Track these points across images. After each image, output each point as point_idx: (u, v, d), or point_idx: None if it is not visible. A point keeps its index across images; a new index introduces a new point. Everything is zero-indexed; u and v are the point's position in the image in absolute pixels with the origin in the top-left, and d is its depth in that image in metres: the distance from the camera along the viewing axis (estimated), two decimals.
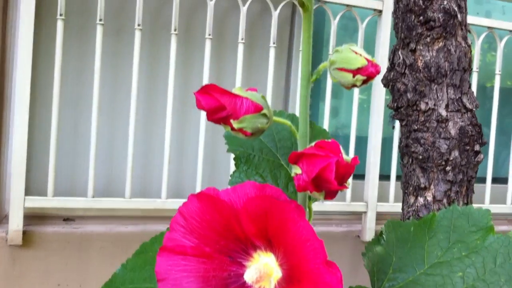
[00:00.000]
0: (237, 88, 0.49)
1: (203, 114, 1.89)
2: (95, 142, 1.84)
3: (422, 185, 0.76)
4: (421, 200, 0.75)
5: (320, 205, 2.02)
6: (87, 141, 1.90)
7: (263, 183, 0.51)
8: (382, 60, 2.07)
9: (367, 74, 0.48)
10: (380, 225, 2.16)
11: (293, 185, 0.54)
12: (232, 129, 0.48)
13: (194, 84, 2.13)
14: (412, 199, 0.78)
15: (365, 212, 2.10)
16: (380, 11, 2.09)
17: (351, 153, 2.11)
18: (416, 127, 0.76)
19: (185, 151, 2.15)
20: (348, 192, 2.09)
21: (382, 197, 2.18)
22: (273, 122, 0.50)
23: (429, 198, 0.74)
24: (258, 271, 0.47)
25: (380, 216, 2.16)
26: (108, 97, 2.04)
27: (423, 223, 0.53)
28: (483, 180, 2.37)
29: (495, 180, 2.41)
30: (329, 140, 0.46)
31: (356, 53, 0.48)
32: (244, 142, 0.59)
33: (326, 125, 2.06)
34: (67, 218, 1.98)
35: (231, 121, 0.48)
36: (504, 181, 2.34)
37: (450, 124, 0.75)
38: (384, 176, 2.16)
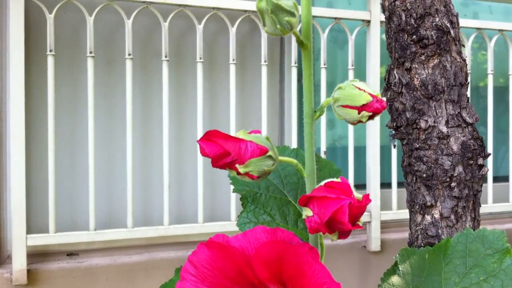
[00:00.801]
0: (241, 131, 0.49)
1: (200, 136, 1.89)
2: (93, 175, 1.83)
3: (428, 203, 0.75)
4: (428, 218, 0.74)
5: None
6: (85, 174, 1.89)
7: (272, 221, 0.51)
8: (374, 69, 2.07)
9: (373, 110, 0.47)
10: (385, 233, 2.15)
11: (302, 221, 0.53)
12: (238, 173, 0.48)
13: (188, 108, 2.13)
14: (419, 218, 0.77)
15: (369, 222, 2.09)
16: (369, 21, 2.10)
17: (351, 164, 2.10)
18: (417, 145, 0.75)
19: (185, 175, 2.14)
20: None
21: (385, 205, 2.17)
22: (279, 162, 0.50)
23: (436, 216, 0.73)
24: None
25: (384, 225, 2.16)
26: (103, 128, 2.03)
27: (438, 249, 0.53)
28: (484, 180, 2.36)
29: (496, 179, 2.41)
30: (339, 180, 0.45)
31: (359, 89, 0.48)
32: (250, 182, 0.58)
33: (323, 138, 2.06)
34: (71, 253, 1.96)
35: (237, 165, 0.47)
36: (505, 179, 2.34)
37: (452, 140, 0.74)
38: (385, 184, 2.16)
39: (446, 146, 0.74)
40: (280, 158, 0.49)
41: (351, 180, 2.10)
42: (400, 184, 2.14)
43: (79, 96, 1.99)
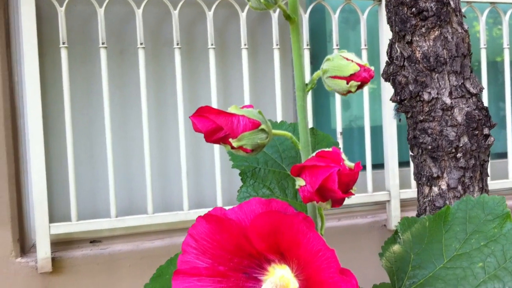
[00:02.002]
0: (233, 106, 0.49)
1: None
2: (112, 163, 1.86)
3: (435, 175, 0.75)
4: (435, 189, 0.73)
5: None
6: (104, 163, 1.92)
7: (271, 195, 0.51)
8: None
9: (361, 79, 0.47)
10: (405, 212, 2.14)
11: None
12: (232, 147, 0.48)
13: (202, 94, 2.14)
14: (426, 190, 0.77)
15: (389, 201, 2.09)
16: (380, 0, 2.08)
17: (367, 144, 2.09)
18: (421, 118, 0.75)
19: (202, 160, 2.16)
20: (369, 182, 2.07)
21: (404, 184, 2.16)
22: (274, 135, 0.50)
23: (444, 187, 0.73)
24: (275, 285, 0.47)
25: (404, 203, 2.15)
26: (119, 118, 2.06)
27: (438, 217, 0.53)
28: (504, 155, 2.33)
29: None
30: (330, 149, 0.46)
31: (347, 59, 0.48)
32: (248, 157, 0.59)
33: (339, 119, 2.05)
34: (94, 240, 2.00)
35: (230, 140, 0.48)
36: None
37: (456, 111, 0.74)
38: (403, 163, 2.15)
39: (450, 117, 0.73)
40: (274, 131, 0.50)
41: (368, 160, 2.10)
42: None
43: (93, 87, 2.02)
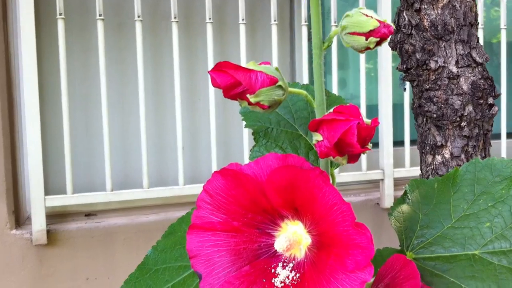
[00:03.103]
0: (251, 62, 0.49)
1: (212, 97, 1.90)
2: (108, 136, 1.86)
3: (439, 143, 0.76)
4: (438, 158, 0.74)
5: (336, 176, 2.02)
6: (100, 136, 1.92)
7: None
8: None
9: (380, 35, 0.47)
10: (398, 191, 2.16)
11: (314, 153, 0.54)
12: (249, 103, 0.49)
13: (199, 69, 2.13)
14: (429, 158, 0.78)
15: (382, 180, 2.10)
16: None
17: None
18: (427, 86, 0.76)
19: (198, 136, 2.16)
20: (364, 161, 2.09)
21: (398, 163, 2.18)
22: (289, 93, 0.50)
23: (447, 156, 0.74)
24: (288, 240, 0.48)
25: (397, 182, 2.17)
26: (116, 91, 2.05)
27: (447, 179, 0.54)
28: (497, 136, 2.35)
29: (510, 135, 2.39)
30: (348, 105, 0.46)
31: (366, 15, 0.48)
32: (261, 117, 0.59)
33: None
34: (89, 213, 2.00)
35: (248, 96, 0.48)
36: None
37: (462, 79, 0.74)
38: (398, 142, 2.16)
39: (456, 86, 0.74)
40: (290, 89, 0.50)
41: None
42: (413, 142, 2.15)
43: (90, 60, 2.00)
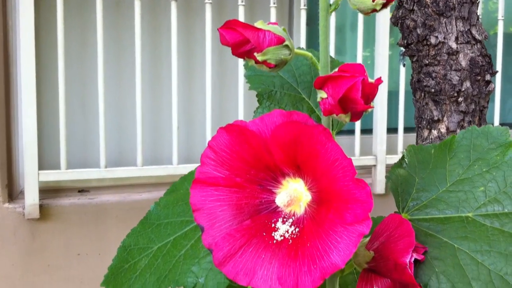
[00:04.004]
0: (259, 22, 0.51)
1: (209, 78, 1.91)
2: (103, 113, 1.86)
3: (435, 118, 0.78)
4: (435, 132, 0.76)
5: None
6: (95, 113, 1.92)
7: None
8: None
9: None
10: None
11: (315, 116, 0.55)
12: (256, 62, 0.50)
13: (197, 50, 2.13)
14: (426, 133, 0.80)
15: (375, 166, 2.13)
16: None
17: None
18: (427, 62, 0.77)
19: (193, 116, 2.17)
20: (357, 146, 2.11)
21: (391, 150, 2.20)
22: (294, 56, 0.52)
23: (443, 130, 0.76)
24: (288, 195, 0.49)
25: (389, 169, 2.19)
26: (112, 69, 2.05)
27: (444, 145, 0.55)
28: None
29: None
30: (353, 63, 0.47)
31: None
32: (265, 80, 0.61)
33: None
34: (82, 189, 2.01)
35: (255, 54, 0.49)
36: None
37: (461, 56, 0.76)
38: (391, 129, 2.18)
39: (455, 61, 0.76)
40: (296, 50, 0.52)
41: (357, 125, 2.13)
42: (406, 130, 2.17)
43: (88, 37, 2.00)
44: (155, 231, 0.59)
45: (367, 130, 2.20)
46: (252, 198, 0.51)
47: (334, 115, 0.48)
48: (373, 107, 0.48)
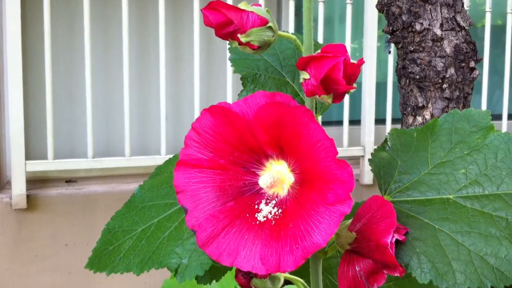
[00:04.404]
0: (243, 3, 0.51)
1: (197, 68, 1.90)
2: (91, 103, 1.85)
3: (420, 104, 0.78)
4: (419, 119, 0.77)
5: None
6: (83, 103, 1.91)
7: None
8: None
9: None
10: None
11: (299, 99, 0.56)
12: (240, 43, 0.50)
13: (184, 39, 2.13)
14: (410, 119, 0.80)
15: (363, 156, 2.14)
16: None
17: (346, 99, 2.13)
18: (412, 48, 0.78)
19: (181, 106, 2.16)
20: (345, 137, 2.12)
21: (379, 140, 2.21)
22: (278, 39, 0.52)
23: (427, 117, 0.77)
24: (271, 177, 0.50)
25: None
26: (100, 59, 2.04)
27: (426, 128, 0.56)
28: None
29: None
30: (335, 44, 0.48)
31: None
32: (250, 63, 0.61)
33: None
34: (69, 179, 2.00)
35: (238, 35, 0.50)
36: (499, 118, 2.36)
37: (445, 42, 0.77)
38: (379, 120, 2.19)
39: (440, 48, 0.76)
40: (280, 33, 0.52)
41: (346, 116, 2.13)
42: (394, 120, 2.18)
43: (75, 27, 1.99)
44: (139, 213, 0.59)
45: (355, 121, 2.21)
46: (236, 180, 0.51)
47: (317, 96, 0.48)
48: (355, 87, 0.48)
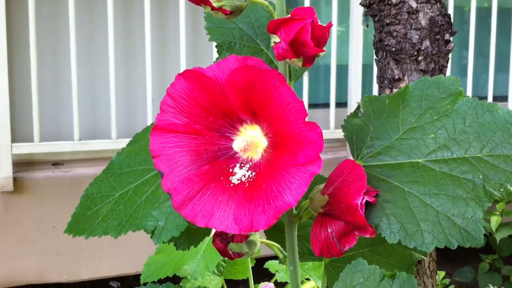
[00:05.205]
0: None
1: (183, 51, 1.90)
2: (77, 86, 1.85)
3: (396, 77, 0.80)
4: (396, 91, 0.78)
5: None
6: (68, 86, 1.91)
7: None
8: None
9: None
10: None
11: (274, 67, 0.56)
12: (212, 8, 0.51)
13: (170, 22, 2.12)
14: (387, 92, 0.82)
15: None
16: None
17: (333, 82, 2.14)
18: (388, 21, 0.79)
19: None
20: (332, 120, 2.13)
21: None
22: (251, 6, 0.53)
23: None
24: (245, 141, 0.51)
25: None
26: (85, 40, 2.03)
27: (397, 95, 0.57)
28: None
29: None
30: (305, 7, 0.49)
31: None
32: (225, 32, 0.62)
33: None
34: (56, 162, 2.00)
35: (210, 0, 0.50)
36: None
37: (421, 15, 0.78)
38: None
39: (415, 21, 0.77)
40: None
41: (332, 98, 2.15)
42: None
43: (59, 8, 1.98)
44: (117, 179, 0.60)
45: (342, 104, 2.22)
46: (211, 145, 0.52)
47: (288, 60, 0.49)
48: (324, 51, 0.49)
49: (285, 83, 0.46)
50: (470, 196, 0.51)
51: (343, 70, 2.26)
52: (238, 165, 0.52)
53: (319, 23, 0.48)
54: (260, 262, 1.42)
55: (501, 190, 0.51)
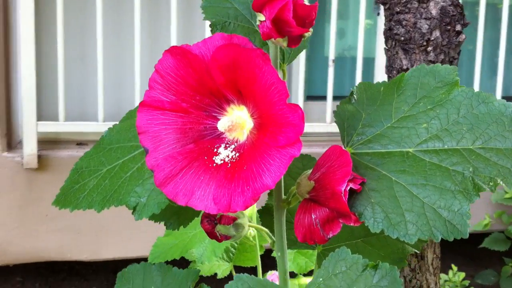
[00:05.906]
0: None
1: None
2: (102, 66, 1.87)
3: (405, 67, 0.78)
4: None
5: None
6: (94, 66, 1.93)
7: None
8: None
9: None
10: None
11: (266, 49, 0.56)
12: None
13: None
14: None
15: None
16: None
17: (358, 75, 2.10)
18: (398, 9, 0.77)
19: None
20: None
21: None
22: None
23: None
24: (230, 121, 0.50)
25: None
26: (111, 21, 2.05)
27: (393, 83, 0.56)
28: None
29: None
30: None
31: None
32: (220, 11, 0.61)
33: (332, 47, 2.04)
34: (80, 142, 2.04)
35: None
36: None
37: (431, 4, 0.76)
38: None
39: (426, 10, 0.75)
40: None
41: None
42: None
43: None
44: (106, 154, 0.61)
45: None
46: (197, 124, 0.52)
47: (273, 39, 0.49)
48: (309, 31, 0.48)
49: (268, 63, 0.46)
50: (458, 188, 0.50)
51: (369, 63, 2.22)
52: (223, 145, 0.51)
53: (304, 2, 0.47)
54: (269, 251, 1.41)
55: (491, 184, 0.49)
